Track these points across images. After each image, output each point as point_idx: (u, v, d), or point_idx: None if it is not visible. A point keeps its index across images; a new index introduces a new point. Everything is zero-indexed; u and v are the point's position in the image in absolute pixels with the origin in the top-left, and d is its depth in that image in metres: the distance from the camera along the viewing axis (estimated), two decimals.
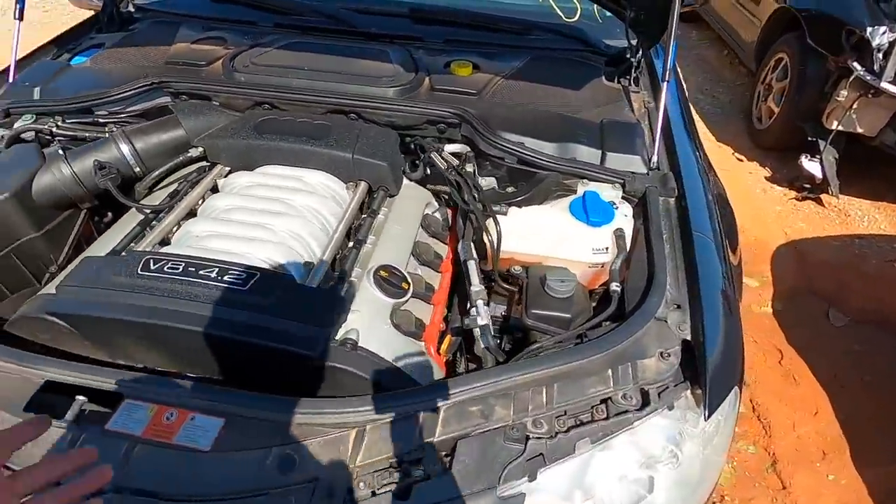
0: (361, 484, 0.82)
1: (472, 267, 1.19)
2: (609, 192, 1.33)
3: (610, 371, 0.98)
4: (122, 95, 1.51)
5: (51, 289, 1.11)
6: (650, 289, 1.10)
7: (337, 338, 1.05)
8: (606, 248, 1.21)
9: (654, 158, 1.39)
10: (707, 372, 0.94)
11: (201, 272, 1.07)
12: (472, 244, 1.26)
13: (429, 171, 1.47)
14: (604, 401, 0.95)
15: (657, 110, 1.44)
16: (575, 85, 1.60)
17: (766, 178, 3.64)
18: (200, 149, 1.45)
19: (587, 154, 1.39)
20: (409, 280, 1.23)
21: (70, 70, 1.65)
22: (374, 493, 0.83)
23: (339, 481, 0.83)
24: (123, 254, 1.15)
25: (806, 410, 2.20)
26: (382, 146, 1.41)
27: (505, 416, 0.91)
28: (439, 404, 0.90)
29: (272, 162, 1.42)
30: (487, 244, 1.24)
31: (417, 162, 1.51)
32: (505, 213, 1.26)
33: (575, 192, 1.37)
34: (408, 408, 0.90)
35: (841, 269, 2.84)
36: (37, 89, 1.58)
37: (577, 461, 0.87)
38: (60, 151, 1.35)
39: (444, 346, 1.25)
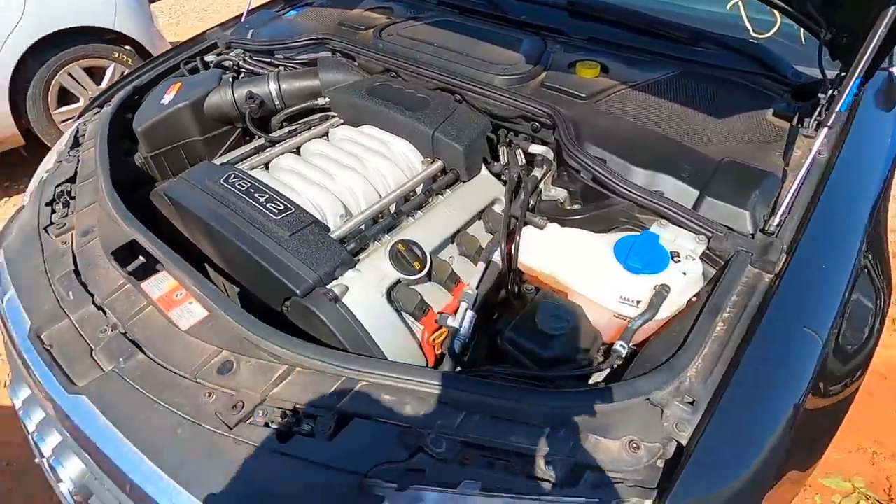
0: (261, 412, 0.82)
1: (479, 269, 0.99)
2: (686, 243, 0.98)
3: (548, 430, 0.73)
4: (294, 45, 1.63)
5: None
6: (660, 366, 0.77)
7: (328, 287, 0.96)
8: (637, 302, 0.89)
9: (775, 222, 0.96)
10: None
11: (256, 195, 1.11)
12: (499, 248, 1.04)
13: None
14: (520, 456, 0.70)
15: (807, 162, 0.98)
16: (719, 112, 1.21)
17: None
18: (327, 99, 1.46)
19: (679, 192, 1.05)
20: (427, 262, 1.08)
21: (278, 20, 1.83)
22: (266, 425, 0.82)
23: (249, 401, 0.84)
24: (225, 165, 1.23)
25: None
26: (467, 130, 1.25)
27: (411, 419, 0.74)
28: (359, 378, 0.81)
29: (373, 123, 1.38)
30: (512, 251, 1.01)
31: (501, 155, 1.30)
32: (541, 227, 1.01)
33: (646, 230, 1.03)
34: (333, 368, 0.86)
35: None
36: (251, 31, 1.78)
37: (451, 498, 0.67)
38: (230, 79, 1.49)
39: (440, 338, 1.07)
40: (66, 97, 3.17)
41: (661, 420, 0.78)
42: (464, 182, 1.34)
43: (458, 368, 0.98)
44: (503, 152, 1.26)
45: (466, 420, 0.79)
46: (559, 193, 1.23)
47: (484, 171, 1.37)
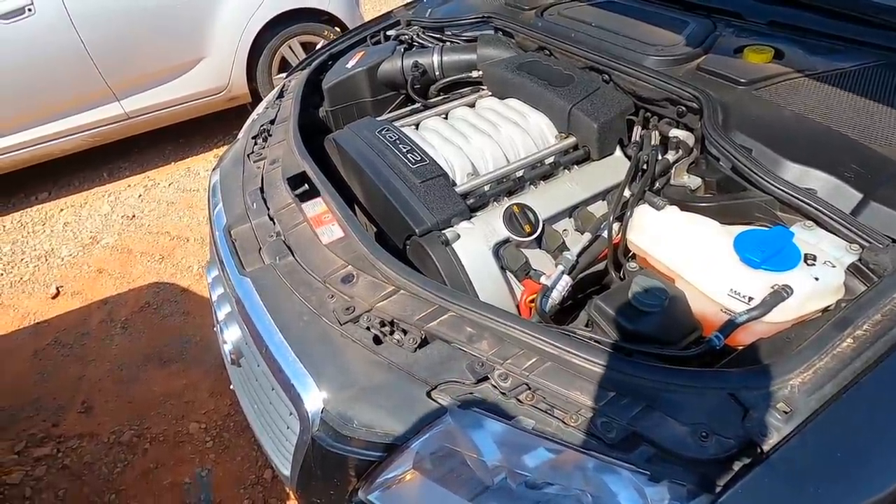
0: (366, 318, 0.95)
1: (584, 239, 1.00)
2: (831, 249, 0.86)
3: (613, 393, 0.74)
4: (462, 22, 1.76)
5: None
6: (761, 369, 0.73)
7: (442, 231, 1.09)
8: (749, 299, 0.82)
9: None
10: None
11: (400, 146, 1.27)
12: (609, 221, 1.04)
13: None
14: (580, 410, 0.73)
15: None
16: None
17: None
18: (480, 72, 1.56)
19: (836, 193, 0.92)
20: (538, 228, 1.13)
21: (455, 0, 1.96)
22: (368, 328, 0.94)
23: (360, 308, 0.98)
24: (383, 121, 1.42)
25: None
26: (606, 109, 1.25)
27: (483, 352, 0.82)
28: (450, 308, 0.89)
29: (517, 96, 1.45)
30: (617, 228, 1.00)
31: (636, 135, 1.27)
32: (658, 207, 0.98)
33: None
34: (429, 295, 0.95)
35: None
36: (429, 10, 1.96)
37: (504, 430, 0.74)
38: (402, 50, 1.68)
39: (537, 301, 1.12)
40: (285, 66, 3.82)
41: (742, 419, 0.71)
42: (593, 160, 1.33)
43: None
44: (637, 130, 1.21)
45: (536, 364, 0.82)
46: (693, 181, 1.14)
47: (618, 152, 1.34)
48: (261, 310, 1.06)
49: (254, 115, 1.84)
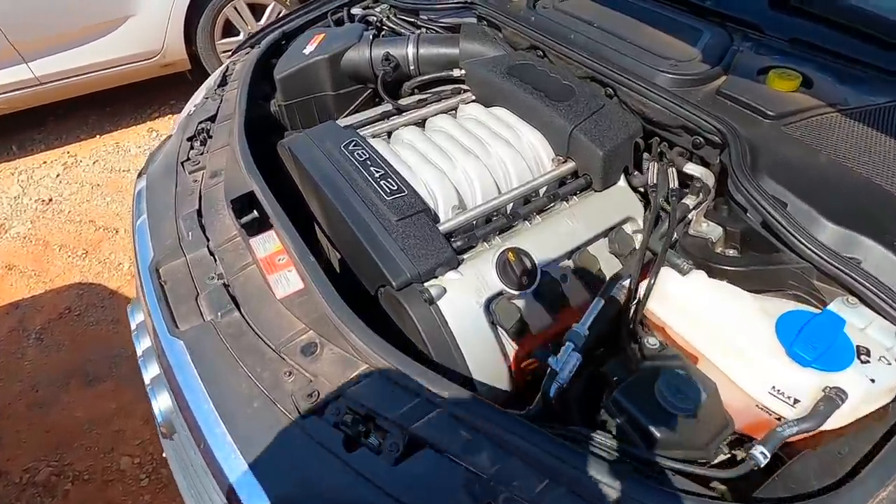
0: (335, 409, 0.77)
1: (598, 306, 0.83)
2: (883, 338, 0.74)
3: None
4: (440, 6, 1.49)
5: None
6: (803, 501, 0.59)
7: (425, 285, 0.88)
8: (795, 401, 0.69)
9: None
10: None
11: (371, 168, 1.05)
12: (625, 283, 0.88)
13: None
14: None
15: None
16: None
17: None
18: (463, 71, 1.33)
19: (884, 265, 0.79)
20: (536, 278, 0.95)
21: None
22: (336, 426, 0.76)
23: (325, 392, 0.80)
24: (348, 129, 1.18)
25: None
26: (612, 133, 1.06)
27: (484, 468, 0.67)
28: (441, 402, 0.75)
29: (507, 105, 1.24)
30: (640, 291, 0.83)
31: (647, 168, 1.09)
32: (683, 272, 0.82)
33: (822, 305, 0.79)
34: (415, 384, 0.77)
35: None
36: None
37: None
38: (370, 37, 1.41)
39: (533, 365, 0.95)
40: (230, 29, 3.36)
41: None
42: (596, 191, 1.15)
43: (547, 407, 0.84)
44: (652, 168, 1.05)
45: (548, 490, 0.66)
46: (712, 231, 0.99)
47: (622, 182, 1.17)
48: (197, 388, 0.84)
49: (190, 107, 1.52)
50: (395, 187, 1.04)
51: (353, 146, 1.15)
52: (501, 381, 0.99)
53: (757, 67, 1.13)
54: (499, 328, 0.99)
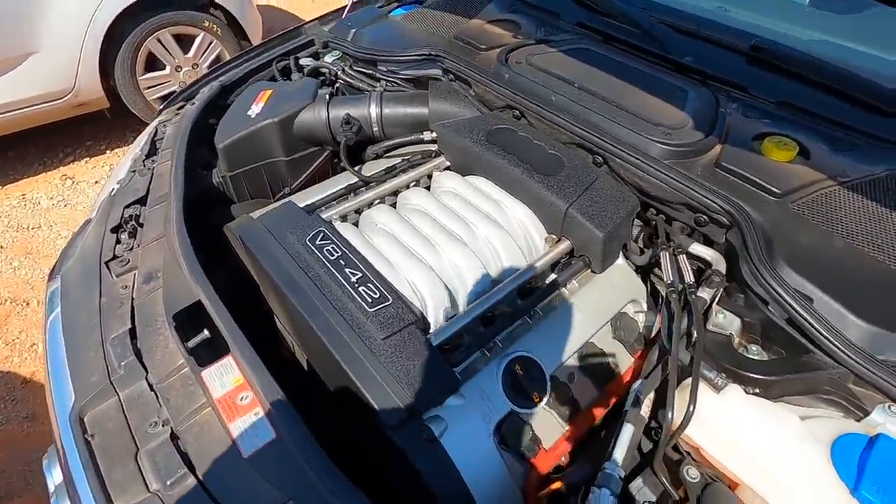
0: None
1: (626, 433, 0.72)
2: None
3: None
4: (401, 58, 1.38)
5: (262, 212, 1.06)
6: None
7: (424, 419, 0.75)
8: None
9: None
10: None
11: (347, 270, 0.91)
12: (649, 395, 0.78)
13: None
14: None
15: None
16: None
17: None
18: (435, 134, 1.21)
19: None
20: (547, 390, 0.83)
21: (384, 21, 1.59)
22: None
23: None
24: (312, 214, 1.02)
25: None
26: (610, 211, 0.98)
27: None
28: None
29: (489, 176, 1.13)
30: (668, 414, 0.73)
31: (647, 246, 1.01)
32: (718, 388, 0.73)
33: (864, 415, 0.73)
34: None
35: None
36: (353, 31, 1.55)
37: None
38: (327, 97, 1.27)
39: (549, 491, 0.83)
40: (154, 63, 3.08)
41: None
42: (594, 273, 1.07)
43: None
44: (665, 257, 0.97)
45: None
46: (729, 323, 0.93)
47: (620, 260, 1.09)
48: None
49: (112, 184, 1.31)
50: (378, 295, 0.90)
51: (322, 240, 1.00)
52: None
53: (751, 134, 1.09)
54: (509, 451, 0.86)
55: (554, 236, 1.10)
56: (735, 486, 0.77)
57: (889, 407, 0.75)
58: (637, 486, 0.79)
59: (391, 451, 0.81)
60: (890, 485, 0.65)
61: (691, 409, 0.73)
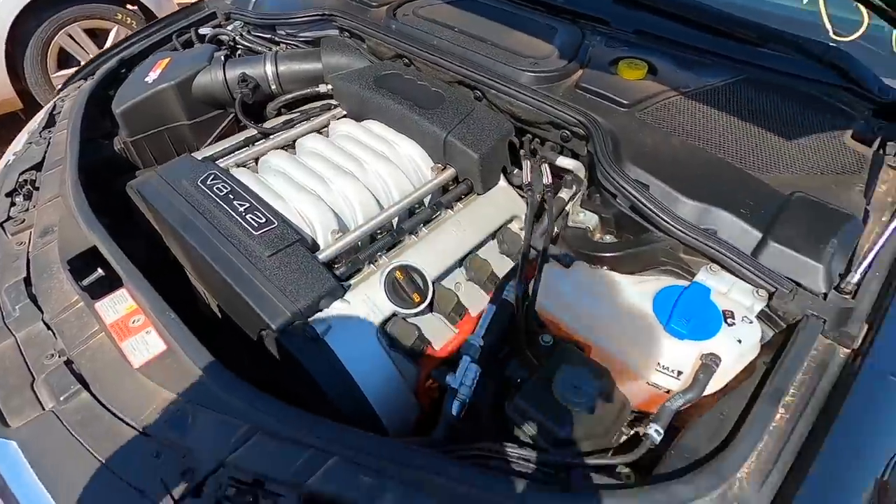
0: (214, 483, 0.68)
1: (490, 312, 0.82)
2: (742, 298, 0.80)
3: None
4: (299, 20, 1.45)
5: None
6: (698, 468, 0.61)
7: (309, 321, 0.82)
8: (678, 373, 0.72)
9: (854, 279, 0.78)
10: None
11: (235, 202, 0.97)
12: (514, 285, 0.88)
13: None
14: None
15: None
16: (787, 131, 1.02)
17: None
18: (329, 86, 1.28)
19: (737, 232, 0.86)
20: (429, 293, 0.92)
21: None
22: (219, 502, 0.67)
23: (203, 467, 0.70)
24: (206, 161, 1.08)
25: None
26: (486, 136, 1.07)
27: None
28: (333, 448, 0.69)
29: (380, 118, 1.21)
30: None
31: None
32: (566, 265, 0.84)
33: (692, 276, 0.85)
34: (304, 435, 0.71)
35: None
36: (253, 1, 1.58)
37: None
38: (222, 58, 1.32)
39: (435, 384, 0.92)
40: (68, 59, 3.02)
41: None
42: (478, 195, 1.17)
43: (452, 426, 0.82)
44: (527, 165, 1.08)
45: None
46: (588, 219, 1.05)
47: (502, 182, 1.20)
48: (40, 499, 0.71)
49: (8, 156, 1.32)
50: (264, 220, 0.97)
51: (212, 180, 1.06)
52: (408, 408, 0.95)
53: (608, 59, 1.22)
54: (398, 352, 0.95)
55: (440, 165, 1.19)
56: (589, 349, 0.88)
57: (710, 267, 0.88)
58: (513, 366, 0.89)
59: (284, 359, 0.88)
60: (694, 315, 0.77)
61: (538, 283, 0.83)
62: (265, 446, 0.72)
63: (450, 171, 1.17)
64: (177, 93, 1.38)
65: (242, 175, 1.13)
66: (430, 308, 1.01)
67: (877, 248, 0.81)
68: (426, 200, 1.14)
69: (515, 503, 0.63)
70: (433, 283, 1.01)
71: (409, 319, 0.98)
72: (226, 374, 0.78)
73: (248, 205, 1.00)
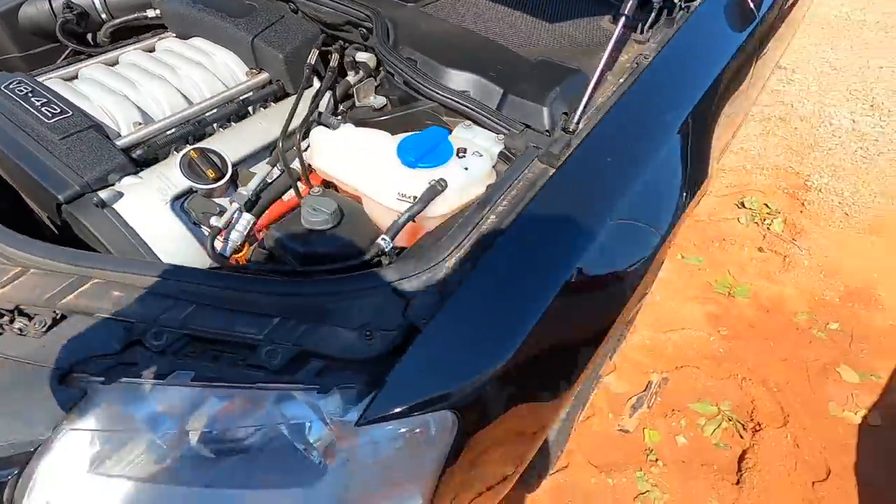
0: None
1: (261, 169, 0.92)
2: (483, 142, 0.93)
3: (277, 319, 0.68)
4: None
5: None
6: (419, 258, 0.74)
7: (98, 193, 0.89)
8: (413, 198, 0.84)
9: (574, 119, 0.92)
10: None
11: (33, 99, 1.04)
12: (284, 151, 0.99)
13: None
14: (248, 347, 0.65)
15: (604, 57, 0.95)
16: (554, 16, 1.14)
17: None
18: (158, 11, 1.34)
19: (485, 92, 1.00)
20: (226, 172, 1.01)
21: None
22: None
23: None
24: (15, 74, 1.12)
25: None
26: (292, 39, 1.17)
27: (136, 314, 0.70)
28: (90, 274, 0.77)
29: (200, 33, 1.28)
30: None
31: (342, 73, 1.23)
32: (333, 127, 0.95)
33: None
34: (65, 266, 0.79)
35: None
36: None
37: (162, 391, 0.63)
38: None
39: (244, 252, 1.01)
40: None
41: (403, 310, 0.74)
42: (290, 95, 1.27)
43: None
44: (312, 56, 1.19)
45: (194, 313, 0.74)
46: (377, 101, 1.17)
47: (316, 83, 1.30)
48: None
49: None
50: (59, 110, 1.04)
51: (15, 84, 1.11)
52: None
53: None
54: (196, 224, 1.04)
55: (254, 70, 1.28)
56: (359, 199, 1.00)
57: (464, 123, 1.02)
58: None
59: (78, 230, 0.95)
60: (422, 147, 0.90)
61: (298, 137, 0.94)
62: (33, 281, 0.79)
63: (263, 76, 1.26)
64: (2, 24, 1.40)
65: (53, 83, 1.18)
66: (235, 187, 1.10)
67: (588, 91, 0.97)
68: (237, 100, 1.23)
69: (245, 292, 0.73)
70: (235, 166, 1.10)
71: (211, 198, 1.07)
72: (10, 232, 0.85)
73: (45, 100, 1.06)
